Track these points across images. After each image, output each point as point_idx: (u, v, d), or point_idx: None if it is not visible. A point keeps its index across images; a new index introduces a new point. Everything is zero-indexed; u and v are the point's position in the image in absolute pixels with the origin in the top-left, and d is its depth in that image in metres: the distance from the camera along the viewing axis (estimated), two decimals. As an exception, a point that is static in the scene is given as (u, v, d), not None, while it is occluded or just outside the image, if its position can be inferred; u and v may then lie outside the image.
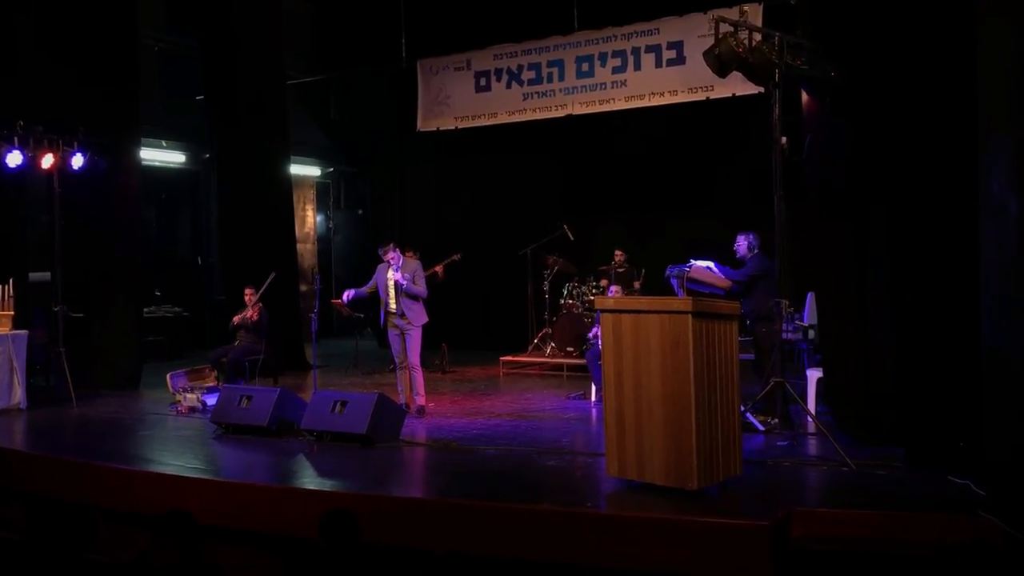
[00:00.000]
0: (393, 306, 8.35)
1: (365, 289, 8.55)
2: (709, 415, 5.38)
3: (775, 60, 6.16)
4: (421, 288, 8.32)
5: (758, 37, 6.37)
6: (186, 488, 6.10)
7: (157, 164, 14.21)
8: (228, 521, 5.78)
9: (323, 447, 7.11)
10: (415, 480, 6.67)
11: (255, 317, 9.86)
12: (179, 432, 8.01)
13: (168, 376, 9.63)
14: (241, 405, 7.63)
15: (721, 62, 6.12)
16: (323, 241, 17.29)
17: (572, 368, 10.78)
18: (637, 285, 10.90)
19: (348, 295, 8.58)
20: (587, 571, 5.11)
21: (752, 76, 6.34)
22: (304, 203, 16.62)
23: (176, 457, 6.91)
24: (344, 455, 6.88)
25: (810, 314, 8.09)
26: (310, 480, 6.45)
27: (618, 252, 11.12)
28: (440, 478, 6.48)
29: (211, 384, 9.62)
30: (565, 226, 11.60)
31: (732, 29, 6.15)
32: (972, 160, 5.39)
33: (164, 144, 14.26)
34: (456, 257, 10.88)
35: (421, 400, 8.43)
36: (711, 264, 7.50)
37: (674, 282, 7.40)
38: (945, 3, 5.91)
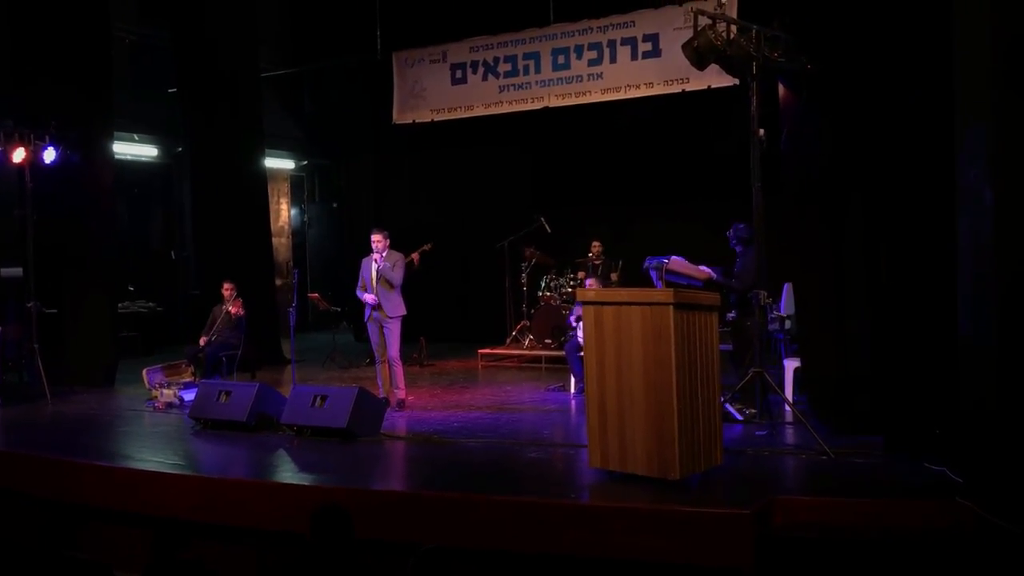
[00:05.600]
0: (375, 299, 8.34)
1: (360, 291, 8.47)
2: (690, 406, 5.42)
3: (753, 53, 6.20)
4: (397, 275, 8.31)
5: (735, 30, 6.40)
6: (166, 485, 6.05)
7: (129, 158, 14.03)
8: (209, 517, 5.75)
9: (303, 442, 7.08)
10: (396, 474, 6.67)
11: (241, 312, 9.79)
12: (157, 428, 7.96)
13: (144, 372, 9.56)
14: (219, 400, 7.58)
15: (699, 55, 6.15)
16: (298, 235, 17.18)
17: (551, 360, 10.81)
18: (615, 277, 10.93)
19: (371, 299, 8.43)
20: (571, 561, 5.14)
21: (730, 68, 6.39)
22: (278, 196, 16.50)
23: (155, 453, 6.86)
24: (325, 449, 6.86)
25: (787, 304, 8.16)
26: (291, 475, 6.44)
27: (595, 243, 11.15)
28: (422, 471, 6.48)
29: (188, 379, 9.54)
30: (542, 218, 11.62)
31: (711, 22, 6.18)
32: (948, 149, 5.45)
33: (136, 138, 14.10)
34: (428, 247, 10.89)
35: (401, 394, 8.42)
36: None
37: (653, 274, 7.43)
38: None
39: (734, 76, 6.59)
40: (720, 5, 6.33)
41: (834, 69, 6.44)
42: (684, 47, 6.24)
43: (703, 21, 6.14)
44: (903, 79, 6.15)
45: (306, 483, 5.97)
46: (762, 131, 6.39)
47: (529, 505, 5.28)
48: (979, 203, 4.97)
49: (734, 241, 7.72)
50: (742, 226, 7.64)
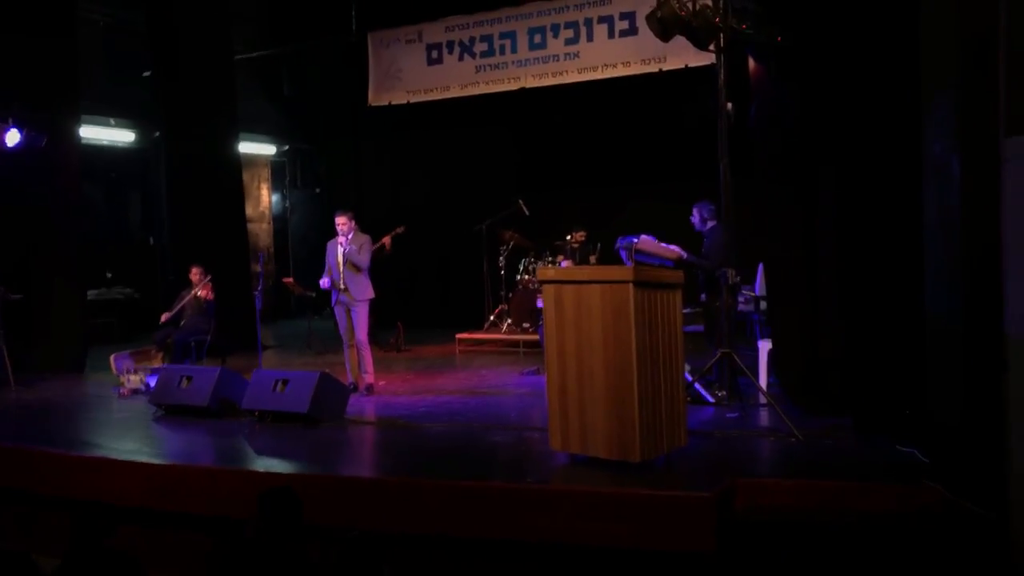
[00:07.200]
0: (342, 283, 8.17)
1: (326, 277, 8.31)
2: (652, 386, 5.27)
3: (719, 24, 6.01)
4: (364, 258, 8.14)
5: (702, 1, 6.21)
6: (118, 471, 5.89)
7: (105, 143, 13.79)
8: (160, 504, 5.61)
9: (264, 427, 6.93)
10: (356, 458, 6.51)
11: (210, 296, 9.64)
12: (119, 414, 7.80)
13: (112, 358, 9.38)
14: (181, 385, 7.42)
15: (664, 25, 5.96)
16: (279, 221, 16.96)
17: (528, 344, 10.64)
18: (593, 260, 10.73)
19: (324, 283, 8.31)
20: (527, 547, 5.00)
21: (696, 40, 6.19)
22: (259, 182, 16.28)
23: (112, 440, 6.71)
24: (285, 435, 6.70)
25: (761, 285, 8.00)
26: (247, 460, 6.28)
27: (580, 232, 10.90)
28: (383, 456, 6.35)
29: (157, 365, 9.37)
30: (520, 201, 11.42)
31: (676, -8, 5.98)
32: (918, 122, 5.30)
33: (112, 122, 13.83)
34: (400, 229, 10.72)
35: (370, 378, 8.26)
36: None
37: (623, 254, 7.27)
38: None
39: (700, 48, 6.39)
40: (686, -25, 6.11)
41: (804, 41, 6.26)
42: (648, 18, 6.05)
43: (668, -9, 5.94)
44: (875, 52, 5.97)
45: (260, 469, 5.82)
46: (730, 105, 6.20)
47: (484, 489, 5.15)
48: (946, 175, 4.81)
49: (699, 221, 7.58)
50: (705, 203, 7.51)
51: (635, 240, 7.16)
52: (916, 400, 5.45)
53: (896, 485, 4.99)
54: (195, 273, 9.72)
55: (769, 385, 7.16)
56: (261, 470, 5.74)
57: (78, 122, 10.63)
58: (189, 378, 7.44)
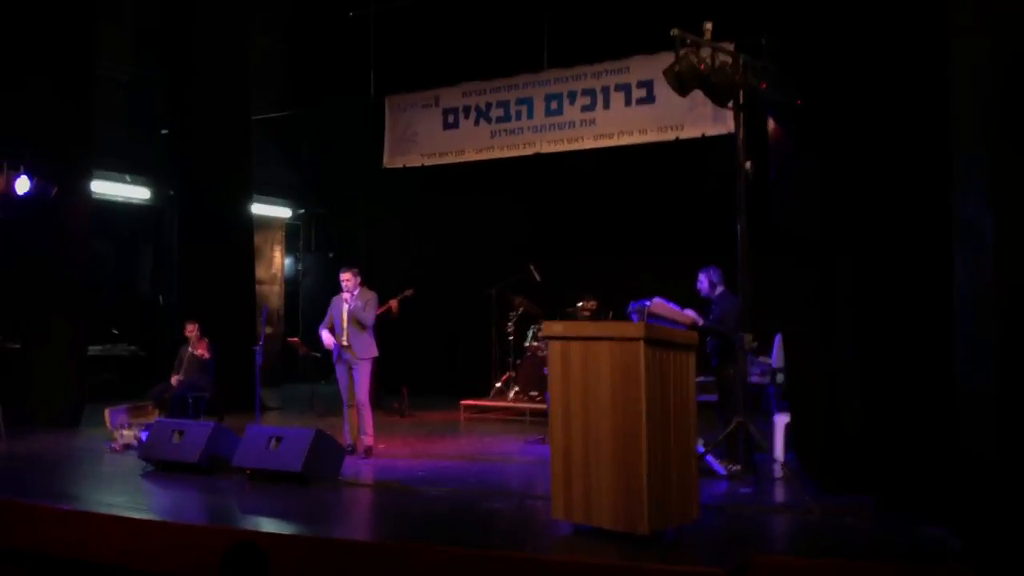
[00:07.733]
0: (344, 339, 7.93)
1: (324, 330, 8.07)
2: (663, 453, 4.97)
3: (738, 81, 5.85)
4: (369, 316, 7.90)
5: (722, 59, 6.07)
6: (92, 526, 5.57)
7: (120, 199, 13.77)
8: (132, 561, 5.28)
9: (255, 486, 6.60)
10: (347, 521, 6.15)
11: (207, 355, 9.44)
12: (107, 469, 7.54)
13: (107, 412, 9.17)
14: (172, 440, 7.14)
15: (681, 80, 5.80)
16: (291, 283, 16.84)
17: (535, 413, 10.29)
18: (605, 328, 10.45)
19: (327, 342, 8.07)
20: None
21: (714, 95, 6.02)
22: (272, 244, 16.22)
23: (93, 493, 6.43)
24: (275, 494, 6.39)
25: (778, 356, 7.70)
26: (230, 519, 5.98)
27: (591, 301, 10.67)
28: (376, 519, 6.03)
29: (152, 421, 9.10)
30: (531, 266, 11.21)
31: (695, 48, 5.84)
32: (942, 190, 5.09)
33: (128, 179, 13.83)
34: (409, 292, 10.49)
35: (369, 440, 7.94)
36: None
37: (634, 317, 7.02)
38: (915, 31, 5.66)
39: (719, 104, 6.23)
40: (706, 31, 5.97)
41: (824, 103, 6.09)
42: (665, 72, 5.90)
43: (686, 48, 5.80)
44: (898, 114, 5.79)
45: (240, 527, 5.50)
46: (748, 163, 6.00)
47: (479, 557, 4.80)
48: (978, 237, 4.57)
49: (707, 287, 7.33)
50: (713, 268, 7.30)
51: (648, 304, 6.92)
52: (943, 477, 5.12)
53: (923, 566, 4.62)
54: (190, 329, 9.55)
55: (786, 460, 6.80)
56: (242, 529, 5.41)
57: (90, 175, 10.59)
58: (181, 433, 7.16)
